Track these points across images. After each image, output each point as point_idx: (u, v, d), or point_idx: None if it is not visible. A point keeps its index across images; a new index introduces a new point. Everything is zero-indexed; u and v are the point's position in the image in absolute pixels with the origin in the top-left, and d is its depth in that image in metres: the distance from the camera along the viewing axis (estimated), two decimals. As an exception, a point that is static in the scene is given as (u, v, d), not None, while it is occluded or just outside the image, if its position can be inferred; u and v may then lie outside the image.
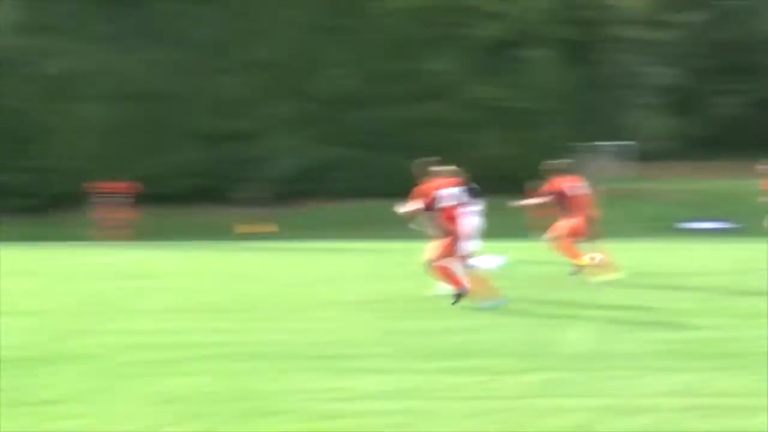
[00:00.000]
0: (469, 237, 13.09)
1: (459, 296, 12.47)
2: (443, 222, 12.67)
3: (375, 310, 12.25)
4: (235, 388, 7.14)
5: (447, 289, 12.79)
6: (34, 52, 43.40)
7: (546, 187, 16.74)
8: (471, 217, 13.46)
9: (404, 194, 13.81)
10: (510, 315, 11.68)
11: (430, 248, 12.92)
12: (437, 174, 12.96)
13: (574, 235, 16.36)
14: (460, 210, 12.76)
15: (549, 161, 17.50)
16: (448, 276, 12.69)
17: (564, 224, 16.43)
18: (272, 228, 38.31)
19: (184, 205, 43.21)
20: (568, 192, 16.48)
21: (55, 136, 43.50)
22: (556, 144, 43.02)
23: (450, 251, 12.66)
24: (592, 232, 16.57)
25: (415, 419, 6.09)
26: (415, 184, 13.08)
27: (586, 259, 16.26)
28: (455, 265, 12.78)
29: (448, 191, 12.72)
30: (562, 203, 16.47)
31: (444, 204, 12.63)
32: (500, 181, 38.47)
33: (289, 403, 6.61)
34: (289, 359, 8.45)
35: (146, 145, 43.76)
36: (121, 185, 29.32)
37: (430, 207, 12.62)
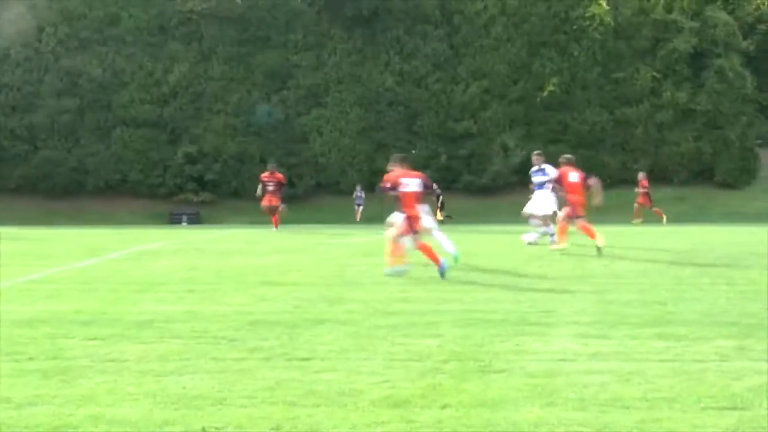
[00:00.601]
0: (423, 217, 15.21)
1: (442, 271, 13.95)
2: (404, 205, 14.53)
3: (576, 284, 12.97)
4: (464, 349, 7.85)
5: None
6: (295, 66, 47.97)
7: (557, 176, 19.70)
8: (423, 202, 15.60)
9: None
10: (698, 288, 12.28)
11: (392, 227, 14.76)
12: (402, 166, 14.99)
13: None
14: (418, 195, 14.74)
15: (563, 156, 20.14)
16: (427, 250, 14.38)
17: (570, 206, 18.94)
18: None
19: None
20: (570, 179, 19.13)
21: (313, 136, 47.64)
22: (742, 143, 47.06)
23: (409, 229, 14.49)
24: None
25: (618, 378, 6.75)
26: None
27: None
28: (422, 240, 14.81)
29: (410, 180, 14.66)
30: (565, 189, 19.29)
31: (406, 190, 14.53)
32: (692, 174, 45.37)
33: (513, 362, 7.32)
34: (508, 325, 9.15)
35: (378, 144, 47.05)
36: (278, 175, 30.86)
37: (395, 191, 14.57)
